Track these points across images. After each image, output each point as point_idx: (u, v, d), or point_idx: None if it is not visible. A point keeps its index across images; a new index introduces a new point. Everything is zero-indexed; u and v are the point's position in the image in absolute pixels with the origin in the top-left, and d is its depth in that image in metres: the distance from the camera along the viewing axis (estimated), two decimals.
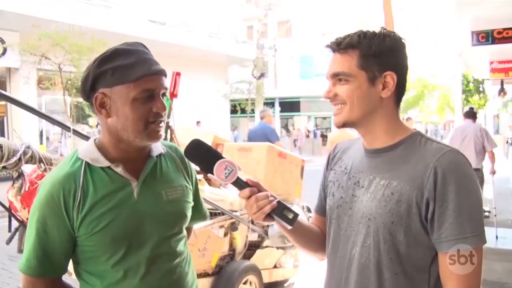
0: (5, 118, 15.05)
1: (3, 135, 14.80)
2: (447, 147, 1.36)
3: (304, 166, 5.19)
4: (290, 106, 31.85)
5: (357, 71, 1.39)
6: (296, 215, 1.43)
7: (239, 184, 1.42)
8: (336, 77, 1.42)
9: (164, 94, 1.51)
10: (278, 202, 1.42)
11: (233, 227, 4.04)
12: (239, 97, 22.93)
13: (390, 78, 1.39)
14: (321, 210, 1.67)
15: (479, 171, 6.96)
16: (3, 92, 2.18)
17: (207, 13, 19.82)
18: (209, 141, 5.38)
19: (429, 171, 1.30)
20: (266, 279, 4.47)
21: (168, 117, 3.66)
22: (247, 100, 22.66)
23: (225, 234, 4.05)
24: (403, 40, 1.43)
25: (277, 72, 29.76)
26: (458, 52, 12.29)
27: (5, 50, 13.38)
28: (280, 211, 1.41)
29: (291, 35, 32.25)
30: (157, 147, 1.62)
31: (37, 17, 12.10)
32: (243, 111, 22.92)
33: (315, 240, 1.65)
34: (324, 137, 28.29)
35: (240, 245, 4.24)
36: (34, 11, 12.35)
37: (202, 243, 3.74)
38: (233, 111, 24.17)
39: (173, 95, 3.66)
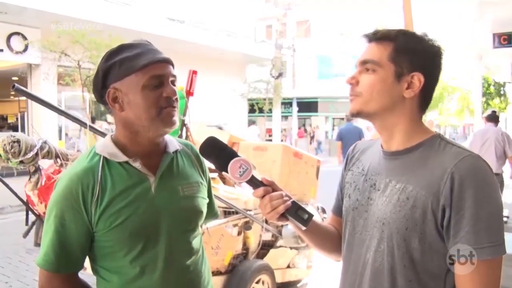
0: (25, 113, 15.29)
1: (23, 130, 15.03)
2: (467, 152, 1.29)
3: (319, 167, 5.17)
4: (307, 106, 31.74)
5: (387, 62, 1.35)
6: (311, 215, 1.41)
7: (254, 183, 1.41)
8: (364, 64, 1.38)
9: (173, 82, 1.52)
10: (293, 202, 1.39)
11: (246, 226, 4.04)
12: (256, 97, 22.90)
13: (417, 79, 1.34)
14: (338, 210, 1.64)
15: (499, 175, 6.84)
16: (22, 87, 2.20)
17: (226, 12, 19.85)
18: (224, 140, 5.39)
19: (446, 177, 1.25)
20: (279, 279, 4.46)
21: (184, 115, 3.66)
22: (264, 99, 22.63)
23: (239, 233, 4.06)
24: (442, 49, 1.39)
25: (295, 72, 29.66)
26: (479, 55, 12.12)
27: (26, 47, 13.57)
28: (295, 211, 1.39)
29: (310, 35, 32.13)
30: (173, 144, 1.63)
31: (57, 14, 12.26)
32: (260, 110, 22.89)
33: (330, 240, 1.63)
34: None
35: (253, 244, 4.24)
36: (55, 8, 12.51)
37: (216, 241, 3.75)
38: (251, 110, 24.16)
39: (189, 93, 3.65)
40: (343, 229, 1.54)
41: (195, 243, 1.63)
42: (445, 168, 1.27)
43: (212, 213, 1.86)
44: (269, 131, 25.90)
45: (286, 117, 31.12)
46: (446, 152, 1.32)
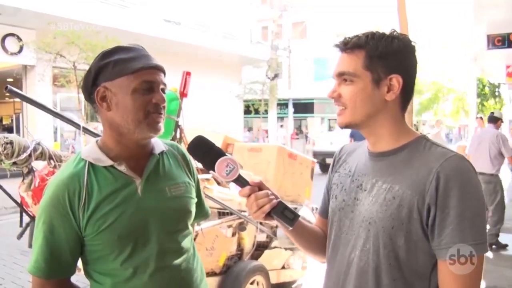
0: (20, 114, 15.25)
1: (18, 132, 14.99)
2: (452, 152, 1.32)
3: (314, 168, 5.18)
4: (303, 107, 31.79)
5: (362, 71, 1.37)
6: (296, 216, 1.42)
7: (241, 182, 1.42)
8: (341, 76, 1.40)
9: (163, 90, 1.54)
10: (279, 202, 1.41)
11: (241, 227, 4.05)
12: (252, 98, 22.95)
13: (396, 81, 1.36)
14: (325, 212, 1.65)
15: (493, 176, 6.87)
16: (15, 89, 2.20)
17: (222, 14, 19.85)
18: (219, 141, 5.40)
19: (431, 176, 1.27)
20: (273, 280, 4.46)
21: (178, 116, 3.66)
22: (260, 100, 22.67)
23: (233, 234, 4.06)
24: (412, 43, 1.40)
25: (291, 73, 29.71)
26: (474, 56, 12.17)
27: (21, 48, 13.53)
28: (281, 211, 1.40)
29: (306, 36, 32.19)
30: (159, 145, 1.65)
31: (53, 15, 12.22)
32: (256, 111, 22.94)
33: (316, 242, 1.64)
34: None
35: (248, 245, 4.25)
36: (50, 9, 12.47)
37: (210, 242, 3.75)
38: (246, 111, 24.21)
39: (183, 94, 3.66)
40: (329, 229, 1.56)
41: (186, 242, 1.65)
42: (431, 168, 1.29)
43: (202, 213, 1.88)
44: (265, 132, 25.95)
45: (282, 118, 31.16)
46: (431, 153, 1.35)
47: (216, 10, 19.39)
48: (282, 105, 30.24)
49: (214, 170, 1.41)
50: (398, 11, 9.57)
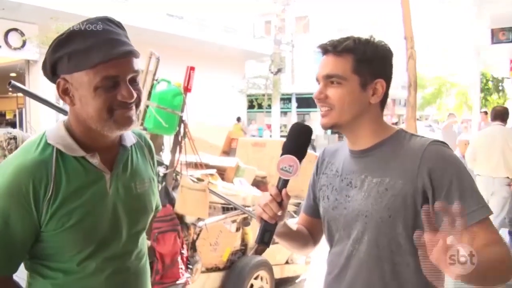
0: (23, 109, 15.28)
1: (21, 127, 15.01)
2: (430, 139, 1.41)
3: None
4: (306, 102, 31.66)
5: (351, 75, 1.42)
6: (268, 245, 1.44)
7: (282, 184, 1.43)
8: (329, 78, 1.44)
9: (135, 78, 1.35)
10: (274, 224, 1.42)
11: (245, 222, 4.05)
12: (255, 92, 22.91)
13: (380, 85, 1.45)
14: (309, 209, 1.72)
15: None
16: (18, 84, 2.20)
17: (225, 8, 19.81)
18: (223, 136, 5.40)
19: (418, 161, 1.35)
20: (277, 275, 4.47)
21: (182, 111, 3.66)
22: (263, 95, 22.62)
23: (237, 229, 4.06)
24: (391, 50, 1.49)
25: (294, 67, 29.61)
26: (477, 50, 12.09)
27: (24, 43, 13.56)
28: (266, 229, 1.43)
29: (309, 30, 32.08)
30: (129, 137, 1.51)
31: (55, 9, 12.22)
32: (259, 106, 22.90)
33: (299, 241, 1.71)
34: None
35: (252, 241, 4.24)
36: (52, 4, 12.47)
37: (214, 237, 3.75)
38: (250, 106, 24.17)
39: (187, 89, 3.66)
40: (326, 228, 1.60)
41: (143, 243, 1.56)
42: (416, 155, 1.38)
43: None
44: (268, 127, 25.93)
45: (285, 113, 31.11)
46: (413, 143, 1.43)
47: (219, 5, 19.35)
48: (286, 99, 30.17)
49: (294, 155, 1.40)
50: (401, 5, 9.52)
